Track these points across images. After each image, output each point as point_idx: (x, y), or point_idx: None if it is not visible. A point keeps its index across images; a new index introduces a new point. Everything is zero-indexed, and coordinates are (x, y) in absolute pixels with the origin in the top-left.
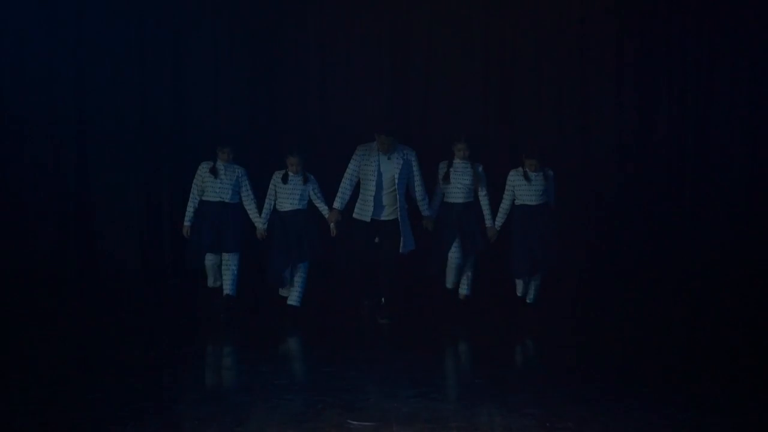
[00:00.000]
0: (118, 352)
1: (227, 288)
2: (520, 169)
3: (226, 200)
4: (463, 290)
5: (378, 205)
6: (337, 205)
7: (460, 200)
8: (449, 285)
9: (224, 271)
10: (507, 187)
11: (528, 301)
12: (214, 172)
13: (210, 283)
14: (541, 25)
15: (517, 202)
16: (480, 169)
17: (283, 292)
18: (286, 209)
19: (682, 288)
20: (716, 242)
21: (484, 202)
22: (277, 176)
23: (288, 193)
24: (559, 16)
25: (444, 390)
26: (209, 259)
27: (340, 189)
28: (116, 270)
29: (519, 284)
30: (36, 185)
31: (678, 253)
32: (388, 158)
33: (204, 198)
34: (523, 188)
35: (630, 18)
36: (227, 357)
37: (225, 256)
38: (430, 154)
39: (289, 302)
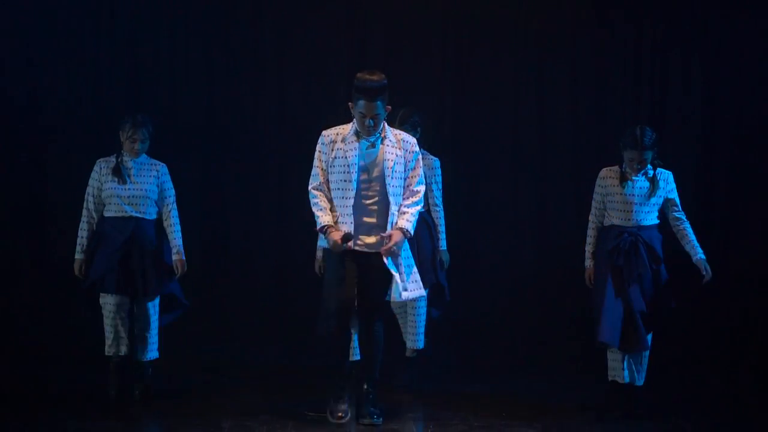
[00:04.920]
0: (76, 350)
1: (144, 351)
2: (616, 167)
3: (140, 215)
4: (410, 343)
5: (360, 223)
6: (324, 220)
7: None
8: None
9: (138, 328)
10: (595, 195)
11: (636, 383)
12: (118, 172)
13: (109, 347)
14: (499, 18)
15: (608, 221)
16: (431, 165)
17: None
18: None
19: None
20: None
21: (435, 213)
22: None
23: None
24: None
25: (400, 381)
26: (109, 302)
27: (314, 203)
28: (70, 267)
29: (613, 359)
30: None
31: None
32: (373, 144)
33: (106, 213)
34: (617, 199)
35: (587, 10)
36: (184, 350)
37: (140, 303)
38: None
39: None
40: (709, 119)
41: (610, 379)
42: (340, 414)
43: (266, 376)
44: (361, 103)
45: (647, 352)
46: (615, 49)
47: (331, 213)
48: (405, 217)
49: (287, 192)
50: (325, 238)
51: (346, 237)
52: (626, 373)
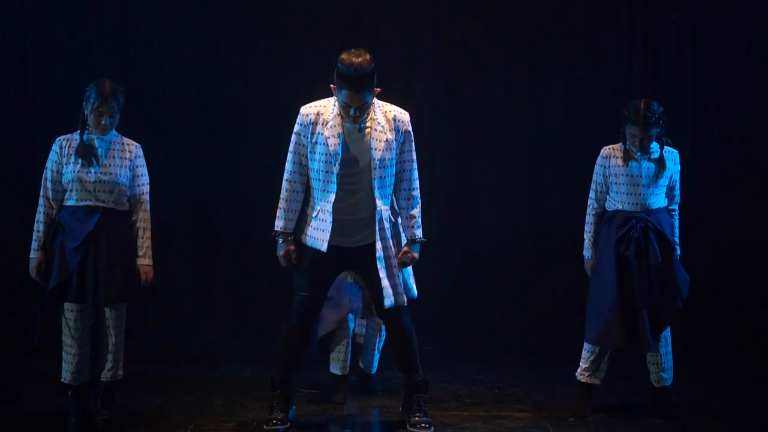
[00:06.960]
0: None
1: (105, 369)
2: (619, 145)
3: (109, 205)
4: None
5: (343, 219)
6: (279, 224)
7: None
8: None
9: (99, 341)
10: (595, 176)
11: (664, 383)
12: (82, 153)
13: (71, 373)
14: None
15: (611, 206)
16: None
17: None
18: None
19: None
20: None
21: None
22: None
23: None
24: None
25: (393, 358)
26: (70, 311)
27: (281, 197)
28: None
29: (592, 359)
30: None
31: None
32: (360, 129)
33: (67, 202)
34: (623, 180)
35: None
36: (175, 328)
37: (102, 312)
38: None
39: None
40: (701, 96)
41: (582, 380)
42: (274, 422)
43: (259, 356)
44: (345, 92)
45: (669, 349)
46: (607, 29)
47: (294, 213)
48: (413, 223)
49: (278, 175)
50: (279, 242)
51: (289, 257)
52: (603, 374)
